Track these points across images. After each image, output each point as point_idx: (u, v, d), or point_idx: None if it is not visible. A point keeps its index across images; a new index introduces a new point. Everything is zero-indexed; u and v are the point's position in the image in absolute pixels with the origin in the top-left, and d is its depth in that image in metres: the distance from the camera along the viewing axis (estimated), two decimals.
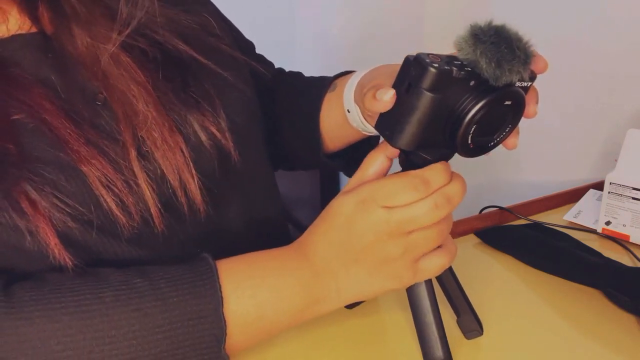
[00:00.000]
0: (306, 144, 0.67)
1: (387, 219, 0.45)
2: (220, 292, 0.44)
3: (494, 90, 0.42)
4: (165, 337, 0.43)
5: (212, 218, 0.54)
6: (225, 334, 0.44)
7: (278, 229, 0.65)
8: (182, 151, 0.50)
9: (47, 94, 0.47)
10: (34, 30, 0.51)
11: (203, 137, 0.52)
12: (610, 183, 0.73)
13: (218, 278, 0.45)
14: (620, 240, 0.72)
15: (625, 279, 0.59)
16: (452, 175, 0.46)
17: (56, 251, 0.43)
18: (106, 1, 0.53)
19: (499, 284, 0.63)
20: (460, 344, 0.52)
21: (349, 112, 0.58)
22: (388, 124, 0.43)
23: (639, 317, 0.56)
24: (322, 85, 0.65)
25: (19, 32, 0.50)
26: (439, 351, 0.47)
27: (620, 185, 0.72)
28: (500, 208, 0.77)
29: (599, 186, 0.83)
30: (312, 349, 0.52)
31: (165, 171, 0.49)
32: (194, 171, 0.50)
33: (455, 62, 0.41)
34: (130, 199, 0.47)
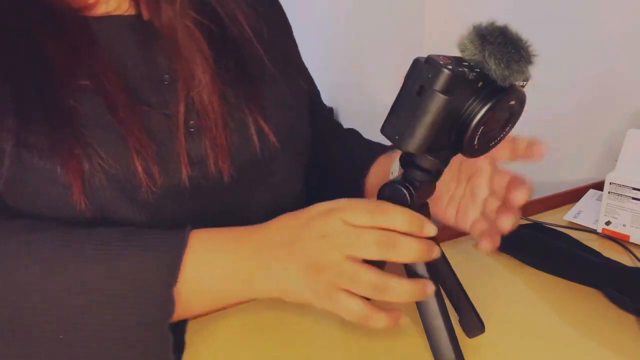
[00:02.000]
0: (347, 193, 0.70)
1: (337, 229, 0.45)
2: (178, 270, 0.47)
3: (501, 90, 0.42)
4: (124, 284, 0.46)
5: (234, 201, 0.58)
6: (172, 314, 0.47)
7: None
8: (224, 118, 0.55)
9: (115, 67, 0.54)
10: (130, 13, 0.57)
11: (246, 112, 0.57)
12: (610, 183, 0.73)
13: (185, 245, 0.48)
14: (620, 240, 0.72)
15: (625, 279, 0.59)
16: (417, 232, 0.45)
17: (76, 193, 0.50)
18: None
19: (499, 284, 0.63)
20: (461, 344, 0.52)
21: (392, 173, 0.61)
22: (397, 128, 0.43)
23: (639, 317, 0.56)
24: (367, 159, 0.68)
25: (116, 12, 0.57)
26: (451, 354, 0.47)
27: (620, 185, 0.72)
28: None
29: (599, 186, 0.83)
30: (324, 349, 0.52)
31: (205, 135, 0.55)
32: (230, 141, 0.56)
33: (464, 63, 0.41)
34: (157, 168, 0.52)
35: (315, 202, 0.70)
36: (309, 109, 0.69)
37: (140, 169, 0.51)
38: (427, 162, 0.45)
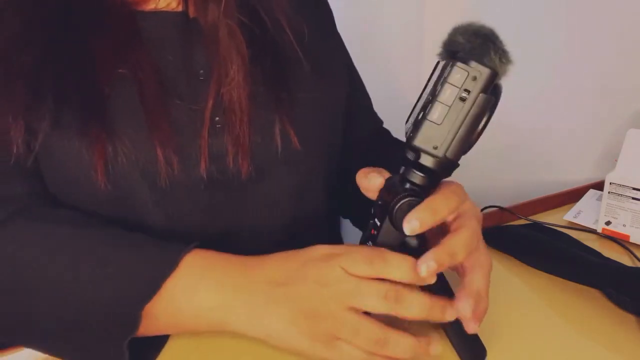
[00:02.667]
0: (360, 214, 0.71)
1: (338, 278, 0.44)
2: (159, 286, 0.47)
3: (496, 84, 0.42)
4: (111, 278, 0.47)
5: (251, 198, 0.59)
6: (150, 298, 0.46)
7: (317, 229, 0.67)
8: (250, 118, 0.56)
9: (152, 62, 0.55)
10: (178, 10, 0.59)
11: (274, 117, 0.58)
12: (610, 183, 0.73)
13: (171, 272, 0.47)
14: (620, 240, 0.72)
15: (625, 279, 0.59)
16: (419, 283, 0.44)
17: (99, 174, 0.52)
18: None
19: (499, 284, 0.63)
20: None
21: None
22: (436, 138, 0.41)
23: (639, 317, 0.56)
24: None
25: (165, 9, 0.59)
26: (476, 348, 0.46)
27: (620, 185, 0.72)
28: (500, 208, 0.77)
29: (599, 186, 0.83)
30: None
31: (229, 130, 0.56)
32: (253, 140, 0.56)
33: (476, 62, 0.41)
34: (177, 159, 0.54)
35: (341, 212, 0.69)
36: (345, 116, 0.69)
37: (161, 157, 0.53)
38: (449, 164, 0.43)
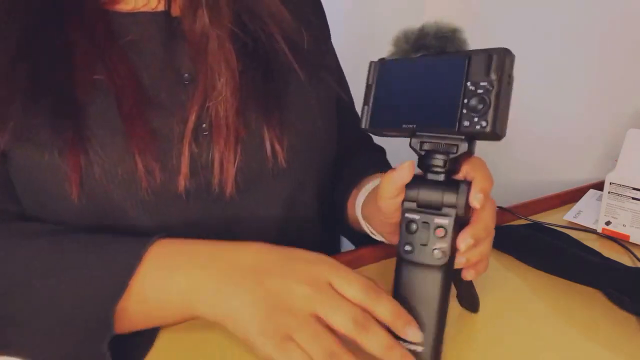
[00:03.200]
0: (337, 221, 0.72)
1: (322, 286, 0.44)
2: (135, 269, 0.46)
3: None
4: (78, 280, 0.47)
5: (236, 213, 0.58)
6: (120, 296, 0.46)
7: (308, 235, 0.67)
8: (238, 135, 0.55)
9: (129, 67, 0.54)
10: (159, 9, 0.57)
11: (263, 132, 0.57)
12: (610, 183, 0.73)
13: (141, 256, 0.47)
14: (620, 240, 0.72)
15: (625, 279, 0.59)
16: (398, 330, 0.44)
17: (73, 186, 0.50)
18: None
19: (499, 284, 0.63)
20: (460, 344, 0.52)
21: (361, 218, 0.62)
22: (497, 122, 0.43)
23: (639, 317, 0.56)
24: (353, 180, 0.68)
25: (144, 9, 0.57)
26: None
27: (620, 185, 0.72)
28: (500, 208, 0.77)
29: (599, 186, 0.83)
30: None
31: (214, 151, 0.54)
32: (240, 159, 0.55)
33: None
34: (158, 167, 0.52)
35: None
36: (335, 121, 0.68)
37: (140, 166, 0.51)
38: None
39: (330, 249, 0.81)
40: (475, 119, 0.43)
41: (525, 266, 0.66)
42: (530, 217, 0.77)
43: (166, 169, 0.53)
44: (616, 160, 0.73)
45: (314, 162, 0.63)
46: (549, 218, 0.78)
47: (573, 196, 0.84)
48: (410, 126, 0.47)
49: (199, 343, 0.52)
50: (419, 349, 0.45)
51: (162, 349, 0.51)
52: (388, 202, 0.49)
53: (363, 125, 0.49)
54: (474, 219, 0.47)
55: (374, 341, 0.43)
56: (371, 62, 0.50)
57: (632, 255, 0.69)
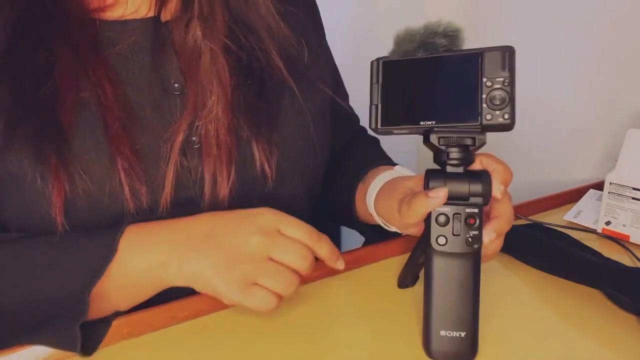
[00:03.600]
0: (344, 216, 0.73)
1: (272, 233, 0.51)
2: (113, 254, 0.49)
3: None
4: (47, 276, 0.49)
5: None
6: (87, 310, 0.48)
7: None
8: (229, 153, 0.55)
9: (112, 80, 0.52)
10: (149, 16, 0.55)
11: (255, 150, 0.56)
12: (610, 183, 0.73)
13: (117, 242, 0.50)
14: (620, 240, 0.72)
15: (625, 279, 0.59)
16: (330, 263, 0.54)
17: (57, 213, 0.50)
18: (233, 6, 0.58)
19: (499, 283, 0.63)
20: None
21: (372, 214, 0.63)
22: (511, 114, 0.46)
23: (639, 317, 0.56)
24: (357, 174, 0.68)
25: (133, 17, 0.55)
26: None
27: (620, 185, 0.72)
28: None
29: (599, 186, 0.83)
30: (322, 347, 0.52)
31: (205, 168, 0.54)
32: (232, 177, 0.55)
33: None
34: (145, 189, 0.52)
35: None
36: (329, 136, 0.68)
37: (127, 189, 0.52)
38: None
39: None
40: (497, 113, 0.46)
41: (525, 266, 0.66)
42: (530, 217, 0.77)
43: (153, 189, 0.53)
44: (616, 160, 0.73)
45: (306, 177, 0.63)
46: (549, 218, 0.78)
47: (573, 196, 0.84)
48: (430, 123, 0.48)
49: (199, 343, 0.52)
50: (462, 334, 0.48)
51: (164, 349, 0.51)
52: (416, 219, 0.50)
53: (373, 126, 0.50)
54: (495, 213, 0.51)
55: (298, 266, 0.51)
56: (373, 61, 0.50)
57: (632, 255, 0.69)
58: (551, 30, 0.96)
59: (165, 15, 0.56)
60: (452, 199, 0.48)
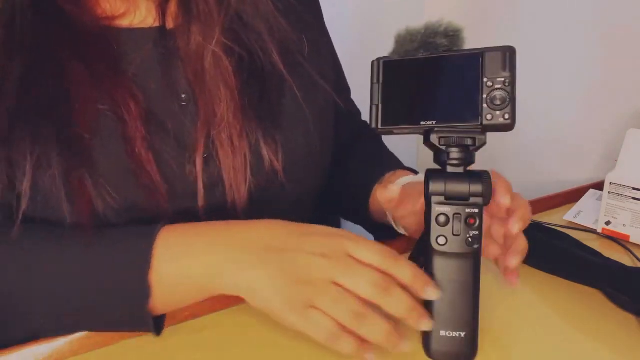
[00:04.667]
0: (355, 214, 0.72)
1: (339, 256, 0.46)
2: (150, 256, 0.47)
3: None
4: (100, 284, 0.48)
5: None
6: (148, 295, 0.47)
7: None
8: (245, 156, 0.54)
9: (133, 93, 0.51)
10: (155, 25, 0.55)
11: (263, 149, 0.55)
12: (610, 183, 0.73)
13: (153, 242, 0.48)
14: (620, 240, 0.72)
15: (625, 279, 0.59)
16: (417, 292, 0.46)
17: (85, 226, 0.49)
18: (231, 5, 0.56)
19: (499, 283, 0.63)
20: None
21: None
22: (512, 114, 0.46)
23: (639, 317, 0.56)
24: (373, 178, 0.68)
25: (141, 26, 0.55)
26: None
27: (620, 185, 0.72)
28: None
29: (599, 186, 0.83)
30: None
31: (223, 173, 0.53)
32: (249, 177, 0.54)
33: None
34: (166, 206, 0.51)
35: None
36: (332, 133, 0.68)
37: (150, 197, 0.51)
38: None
39: None
40: (497, 113, 0.46)
41: (525, 266, 0.66)
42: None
43: (177, 197, 0.53)
44: (616, 160, 0.73)
45: (311, 176, 0.63)
46: (549, 218, 0.78)
47: (573, 196, 0.84)
48: (430, 123, 0.48)
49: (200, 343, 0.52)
50: (462, 334, 0.48)
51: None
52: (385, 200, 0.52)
53: (374, 126, 0.50)
54: (513, 208, 0.51)
55: (396, 303, 0.45)
56: (373, 61, 0.50)
57: (632, 255, 0.69)
58: (551, 30, 0.96)
59: (169, 23, 0.56)
60: (452, 199, 0.48)
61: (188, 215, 0.54)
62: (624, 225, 0.72)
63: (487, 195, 0.48)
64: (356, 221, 0.79)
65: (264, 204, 0.58)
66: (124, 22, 0.55)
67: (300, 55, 0.61)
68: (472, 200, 0.48)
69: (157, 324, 0.50)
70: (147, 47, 0.54)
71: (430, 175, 0.48)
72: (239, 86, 0.55)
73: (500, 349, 0.52)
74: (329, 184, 0.70)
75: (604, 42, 0.92)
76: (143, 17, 0.56)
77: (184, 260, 0.48)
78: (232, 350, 0.51)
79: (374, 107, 0.50)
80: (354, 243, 0.47)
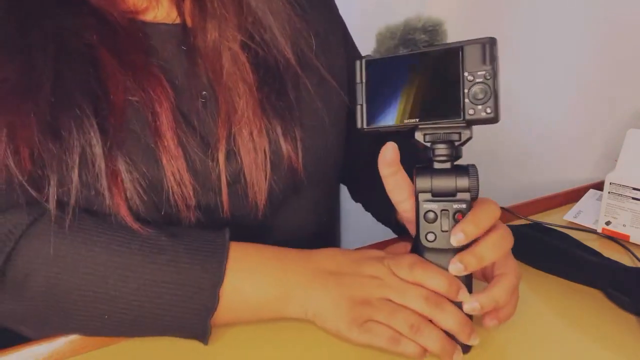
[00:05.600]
0: (380, 214, 0.72)
1: (388, 276, 0.50)
2: (224, 272, 0.49)
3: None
4: (168, 292, 0.48)
5: (265, 221, 0.58)
6: (215, 309, 0.49)
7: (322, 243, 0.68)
8: (265, 152, 0.55)
9: (164, 86, 0.52)
10: (177, 22, 0.56)
11: (282, 146, 0.56)
12: (610, 183, 0.73)
13: (226, 259, 0.50)
14: (620, 240, 0.72)
15: (625, 279, 0.59)
16: (452, 296, 0.48)
17: (126, 218, 0.50)
18: (243, 2, 0.57)
19: None
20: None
21: None
22: (499, 108, 0.45)
23: (639, 317, 0.56)
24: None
25: (164, 21, 0.56)
26: None
27: (620, 185, 0.72)
28: (501, 208, 0.77)
29: (599, 186, 0.83)
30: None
31: (245, 169, 0.54)
32: (269, 173, 0.55)
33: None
34: (192, 201, 0.52)
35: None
36: (345, 129, 0.67)
37: (180, 200, 0.52)
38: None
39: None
40: (479, 107, 0.45)
41: (526, 266, 0.66)
42: (530, 217, 0.77)
43: (201, 191, 0.53)
44: (616, 160, 0.73)
45: (328, 174, 0.64)
46: (549, 218, 0.78)
47: (573, 196, 0.84)
48: (413, 120, 0.48)
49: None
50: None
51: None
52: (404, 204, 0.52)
53: (359, 125, 0.50)
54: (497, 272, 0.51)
55: (449, 317, 0.47)
56: (356, 61, 0.50)
57: (632, 255, 0.69)
58: (551, 30, 0.96)
59: (188, 21, 0.57)
60: (439, 195, 0.48)
61: (211, 212, 0.55)
62: (624, 225, 0.72)
63: (474, 190, 0.48)
64: (378, 219, 0.78)
65: (284, 202, 0.59)
66: (148, 17, 0.55)
67: (311, 52, 0.61)
68: (460, 196, 0.48)
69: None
70: (172, 42, 0.55)
71: (416, 171, 0.48)
72: (256, 82, 0.56)
73: (500, 348, 0.52)
74: (360, 174, 0.71)
75: (604, 42, 0.92)
76: (165, 13, 0.56)
77: (259, 281, 0.50)
78: (232, 351, 0.51)
79: (359, 107, 0.50)
80: (394, 263, 0.50)
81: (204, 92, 0.55)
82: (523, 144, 1.01)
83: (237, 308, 0.50)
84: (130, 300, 0.48)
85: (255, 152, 0.54)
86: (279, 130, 0.56)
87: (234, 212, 0.56)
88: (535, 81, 0.97)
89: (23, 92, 0.47)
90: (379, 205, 0.71)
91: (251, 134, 0.54)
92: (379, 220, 0.76)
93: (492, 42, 0.45)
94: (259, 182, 0.55)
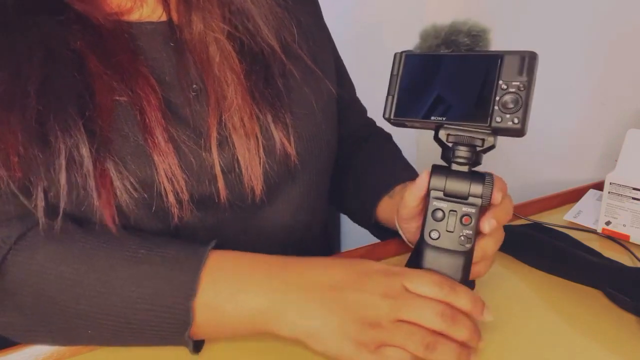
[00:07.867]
0: (359, 215, 0.72)
1: (400, 293, 0.46)
2: (197, 283, 0.47)
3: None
4: (144, 309, 0.47)
5: (260, 209, 0.58)
6: (191, 324, 0.47)
7: (314, 234, 0.68)
8: (257, 137, 0.55)
9: (152, 84, 0.52)
10: (163, 19, 0.56)
11: (274, 132, 0.56)
12: (610, 183, 0.73)
13: (201, 270, 0.48)
14: (620, 240, 0.72)
15: (625, 279, 0.59)
16: (477, 315, 0.47)
17: (110, 221, 0.49)
18: None
19: (499, 284, 0.63)
20: None
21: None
22: (527, 120, 0.46)
23: (639, 317, 0.56)
24: (384, 186, 0.68)
25: (150, 19, 0.56)
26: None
27: (620, 185, 0.72)
28: None
29: (599, 186, 0.83)
30: None
31: (238, 155, 0.54)
32: (263, 158, 0.55)
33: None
34: (185, 196, 0.52)
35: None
36: (336, 116, 0.68)
37: (171, 197, 0.51)
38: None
39: (331, 248, 0.81)
40: (507, 116, 0.46)
41: (525, 266, 0.66)
42: (530, 217, 0.77)
43: (196, 183, 0.53)
44: (616, 160, 0.73)
45: (320, 159, 0.64)
46: (549, 218, 0.78)
47: (573, 196, 0.84)
48: (440, 119, 0.48)
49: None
50: None
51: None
52: (411, 209, 0.52)
53: (387, 116, 0.50)
54: (494, 205, 0.50)
55: (462, 329, 0.46)
56: (396, 54, 0.51)
57: (632, 255, 0.69)
58: (552, 30, 0.96)
59: (174, 17, 0.57)
60: (451, 196, 0.48)
61: (208, 202, 0.55)
62: (624, 225, 0.72)
63: (486, 197, 0.48)
64: (361, 225, 0.79)
65: (280, 188, 0.59)
66: (133, 17, 0.56)
67: (295, 41, 0.62)
68: (470, 200, 0.48)
69: (196, 344, 0.50)
70: (159, 40, 0.55)
71: (433, 169, 0.49)
72: (244, 70, 0.56)
73: (499, 348, 0.52)
74: (335, 177, 0.71)
75: (604, 43, 0.92)
76: (150, 11, 0.56)
77: (238, 293, 0.47)
78: (232, 351, 0.51)
79: (390, 98, 0.50)
80: (407, 277, 0.47)
81: (195, 85, 0.56)
82: (523, 144, 1.01)
83: (216, 323, 0.48)
84: (111, 316, 0.48)
85: (248, 138, 0.54)
86: (269, 117, 0.56)
87: (231, 200, 0.56)
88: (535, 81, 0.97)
89: (9, 102, 0.47)
90: (358, 206, 0.72)
91: (242, 119, 0.54)
92: (355, 221, 0.77)
93: (532, 55, 0.46)
94: (253, 167, 0.55)
